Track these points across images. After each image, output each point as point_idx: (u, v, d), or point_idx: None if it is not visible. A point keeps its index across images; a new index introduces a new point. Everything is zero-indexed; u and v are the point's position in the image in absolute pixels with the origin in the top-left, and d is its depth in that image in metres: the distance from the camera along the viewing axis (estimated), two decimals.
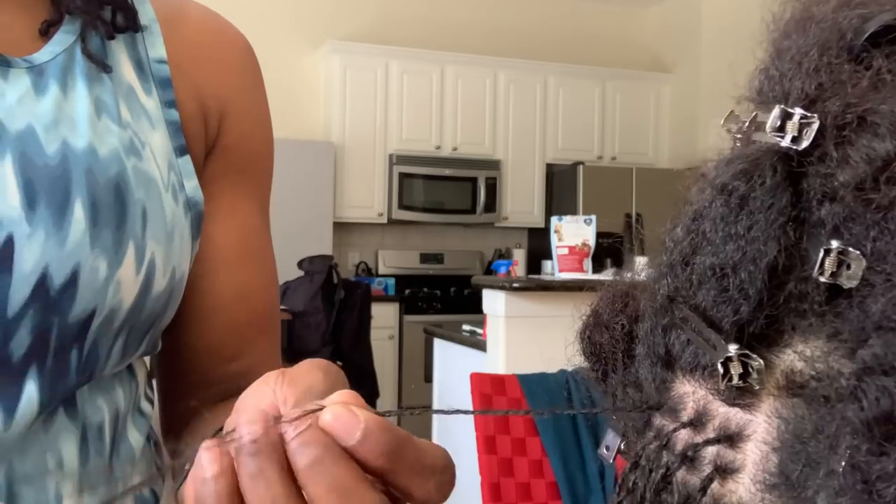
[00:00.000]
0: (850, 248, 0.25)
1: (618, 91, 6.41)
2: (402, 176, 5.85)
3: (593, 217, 3.15)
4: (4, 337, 0.56)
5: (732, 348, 0.27)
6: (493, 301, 2.98)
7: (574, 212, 5.52)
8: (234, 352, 0.71)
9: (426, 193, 5.93)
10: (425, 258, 6.15)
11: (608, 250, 4.05)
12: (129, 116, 0.64)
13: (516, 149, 6.16)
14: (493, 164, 6.10)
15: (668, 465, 0.29)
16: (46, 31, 0.63)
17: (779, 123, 0.27)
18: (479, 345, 3.17)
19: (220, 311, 0.70)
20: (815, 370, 0.25)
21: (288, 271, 4.59)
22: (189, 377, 0.72)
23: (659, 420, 0.30)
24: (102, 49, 0.65)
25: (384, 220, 5.89)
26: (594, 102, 6.38)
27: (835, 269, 0.25)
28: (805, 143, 0.26)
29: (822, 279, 0.25)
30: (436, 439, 3.59)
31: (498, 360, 2.93)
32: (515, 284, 3.01)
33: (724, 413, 0.28)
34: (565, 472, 2.09)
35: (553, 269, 3.25)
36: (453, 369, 3.44)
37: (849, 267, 0.25)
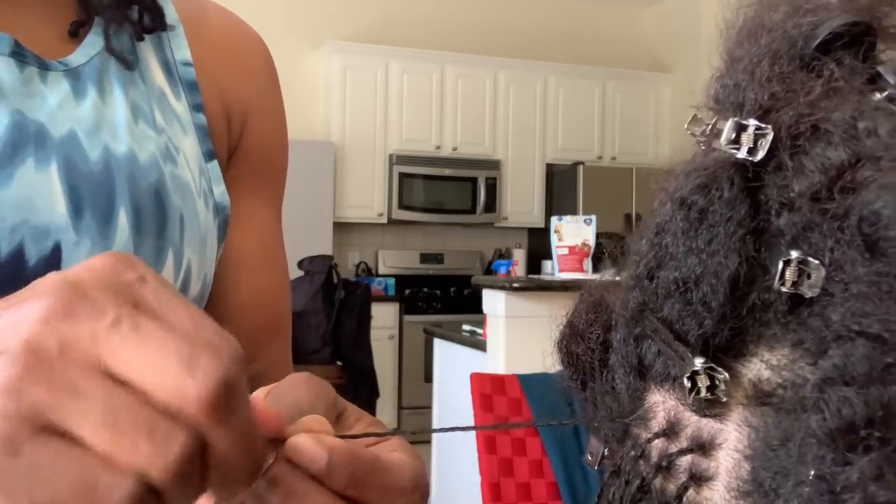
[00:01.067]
0: (810, 258, 0.25)
1: (618, 91, 6.41)
2: (402, 176, 5.85)
3: (593, 217, 3.14)
4: None
5: (698, 362, 0.27)
6: (493, 301, 2.98)
7: (574, 212, 5.52)
8: (249, 355, 0.71)
9: (426, 193, 5.93)
10: (425, 258, 6.15)
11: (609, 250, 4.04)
12: (163, 121, 0.64)
13: (516, 149, 6.16)
14: (493, 164, 6.10)
15: (643, 475, 0.29)
16: (76, 33, 0.62)
17: (734, 135, 0.27)
18: (479, 345, 3.17)
19: (238, 316, 0.70)
20: (782, 378, 0.26)
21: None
22: None
23: (636, 430, 0.30)
24: (133, 52, 0.65)
25: (384, 220, 5.89)
26: (594, 102, 6.38)
27: (796, 279, 0.25)
28: (760, 155, 0.27)
29: (784, 289, 0.25)
30: (436, 440, 3.59)
31: (498, 360, 2.93)
32: (515, 284, 3.01)
33: (697, 422, 0.28)
34: (565, 472, 2.09)
35: (553, 269, 3.25)
36: (453, 369, 3.44)
37: (809, 276, 0.25)
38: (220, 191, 0.68)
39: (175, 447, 0.28)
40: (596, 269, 3.23)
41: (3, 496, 0.28)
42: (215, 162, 0.68)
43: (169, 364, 0.29)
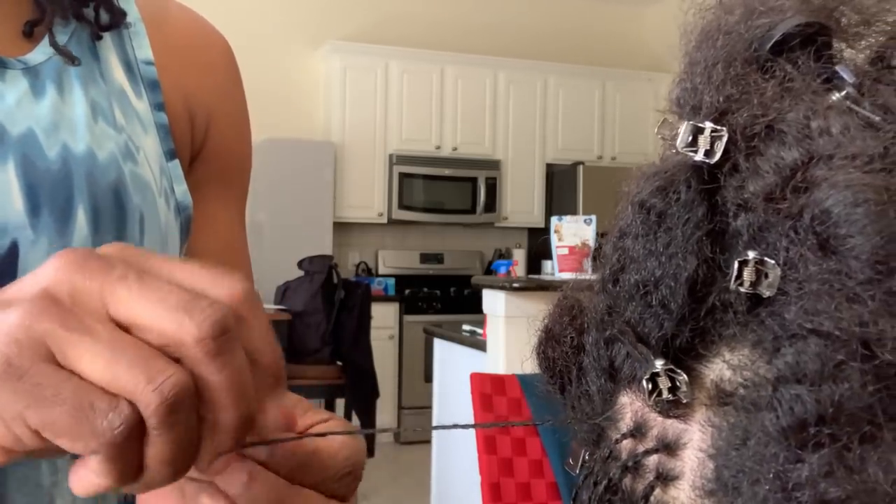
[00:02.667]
0: (767, 258, 0.25)
1: (618, 91, 6.41)
2: (402, 176, 5.86)
3: (593, 217, 3.14)
4: None
5: (659, 363, 0.27)
6: (493, 301, 2.98)
7: (574, 212, 5.52)
8: None
9: (426, 193, 5.93)
10: (425, 258, 6.15)
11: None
12: (123, 120, 0.64)
13: (516, 149, 6.16)
14: (493, 164, 6.10)
15: (611, 475, 0.30)
16: (31, 32, 0.62)
17: (690, 138, 0.27)
18: (479, 345, 3.17)
19: None
20: (743, 378, 0.26)
21: (288, 271, 4.59)
22: None
23: (608, 432, 0.31)
24: (93, 51, 0.65)
25: (384, 220, 5.89)
26: (594, 102, 6.38)
27: (754, 279, 0.25)
28: (717, 157, 0.27)
29: (742, 289, 0.26)
30: (436, 440, 3.59)
31: (498, 360, 2.93)
32: (515, 284, 3.01)
33: (662, 423, 0.28)
34: (565, 472, 2.09)
35: (553, 269, 3.25)
36: (453, 369, 3.44)
37: (767, 276, 0.25)
38: (181, 190, 0.68)
39: (169, 379, 0.30)
40: (596, 270, 3.22)
41: (2, 418, 0.30)
42: (176, 161, 0.68)
43: (169, 308, 0.31)
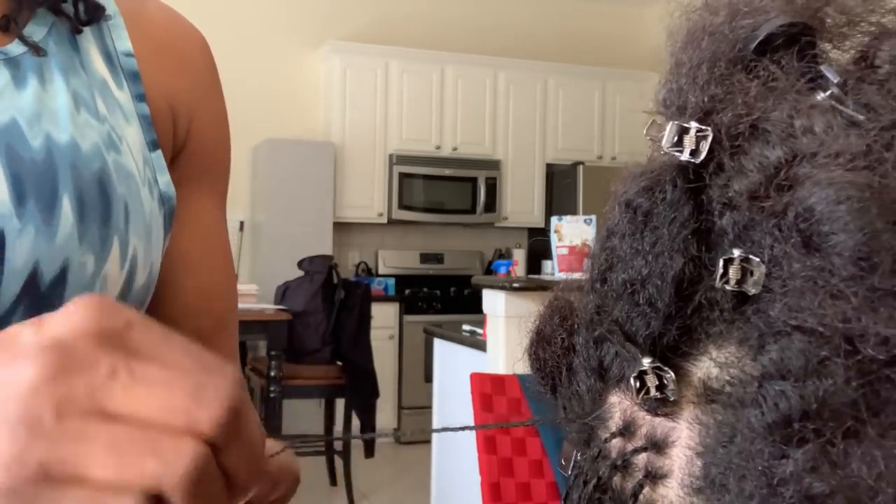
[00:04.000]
0: (752, 256, 0.26)
1: (618, 91, 6.41)
2: (402, 176, 5.85)
3: (593, 217, 3.14)
4: None
5: (646, 361, 0.28)
6: (493, 301, 2.98)
7: (574, 212, 5.52)
8: None
9: (426, 193, 5.92)
10: (425, 258, 6.15)
11: None
12: (105, 110, 0.64)
13: (516, 149, 6.16)
14: (493, 164, 6.10)
15: (600, 474, 0.30)
16: (7, 26, 0.62)
17: (675, 138, 0.27)
18: (479, 345, 3.17)
19: (186, 317, 0.71)
20: (730, 375, 0.26)
21: (288, 271, 4.59)
22: None
23: (599, 431, 0.31)
24: (73, 42, 0.65)
25: (384, 220, 5.88)
26: (594, 102, 6.38)
27: (739, 277, 0.26)
28: (702, 156, 0.27)
29: (728, 287, 0.26)
30: (436, 440, 3.59)
31: (498, 360, 2.93)
32: (515, 284, 3.01)
33: (651, 421, 0.28)
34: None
35: (553, 269, 3.25)
36: (453, 369, 3.44)
37: (752, 274, 0.26)
38: (164, 180, 0.68)
39: (185, 458, 0.28)
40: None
41: None
42: (159, 151, 0.68)
43: (175, 400, 0.29)
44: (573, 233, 3.13)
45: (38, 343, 0.29)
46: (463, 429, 0.34)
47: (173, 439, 0.28)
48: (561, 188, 6.20)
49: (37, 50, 0.62)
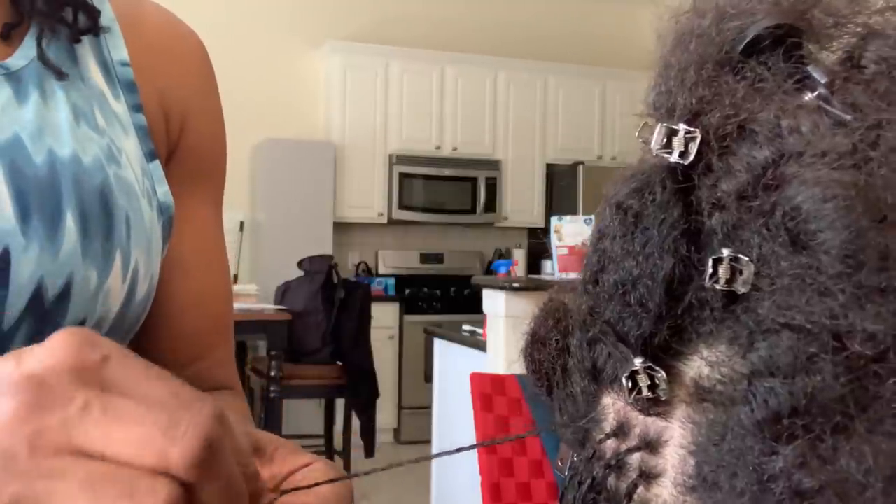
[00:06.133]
0: (741, 255, 0.26)
1: (618, 91, 6.41)
2: (402, 176, 5.86)
3: (593, 217, 3.14)
4: (0, 349, 0.55)
5: (637, 362, 0.28)
6: (493, 301, 2.99)
7: (574, 212, 5.52)
8: (192, 356, 0.71)
9: (426, 193, 5.93)
10: (425, 258, 6.15)
11: None
12: (104, 122, 0.64)
13: (516, 149, 6.16)
14: (493, 164, 6.10)
15: (595, 475, 0.30)
16: (7, 35, 0.61)
17: (664, 140, 0.28)
18: (479, 345, 3.17)
19: (181, 319, 0.71)
20: (721, 374, 0.26)
21: (288, 271, 4.59)
22: None
23: (593, 432, 0.31)
24: (72, 53, 0.64)
25: (384, 220, 5.89)
26: (594, 102, 6.38)
27: (729, 277, 0.26)
28: (691, 157, 0.27)
29: (717, 287, 0.26)
30: (436, 440, 3.59)
31: (498, 360, 2.93)
32: (515, 284, 3.02)
33: (644, 421, 0.29)
34: None
35: (553, 269, 3.25)
36: (453, 369, 3.44)
37: (741, 273, 0.26)
38: (163, 190, 0.68)
39: (157, 499, 0.28)
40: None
41: None
42: (157, 162, 0.68)
43: (148, 435, 0.29)
44: (573, 233, 3.13)
45: (14, 379, 0.29)
46: (460, 450, 0.34)
47: (146, 478, 0.28)
48: (561, 188, 6.20)
49: (60, 75, 0.62)
